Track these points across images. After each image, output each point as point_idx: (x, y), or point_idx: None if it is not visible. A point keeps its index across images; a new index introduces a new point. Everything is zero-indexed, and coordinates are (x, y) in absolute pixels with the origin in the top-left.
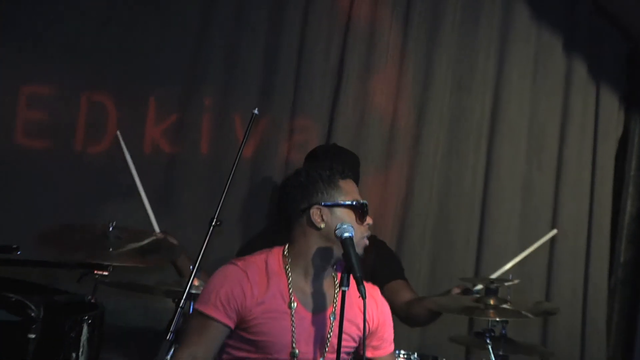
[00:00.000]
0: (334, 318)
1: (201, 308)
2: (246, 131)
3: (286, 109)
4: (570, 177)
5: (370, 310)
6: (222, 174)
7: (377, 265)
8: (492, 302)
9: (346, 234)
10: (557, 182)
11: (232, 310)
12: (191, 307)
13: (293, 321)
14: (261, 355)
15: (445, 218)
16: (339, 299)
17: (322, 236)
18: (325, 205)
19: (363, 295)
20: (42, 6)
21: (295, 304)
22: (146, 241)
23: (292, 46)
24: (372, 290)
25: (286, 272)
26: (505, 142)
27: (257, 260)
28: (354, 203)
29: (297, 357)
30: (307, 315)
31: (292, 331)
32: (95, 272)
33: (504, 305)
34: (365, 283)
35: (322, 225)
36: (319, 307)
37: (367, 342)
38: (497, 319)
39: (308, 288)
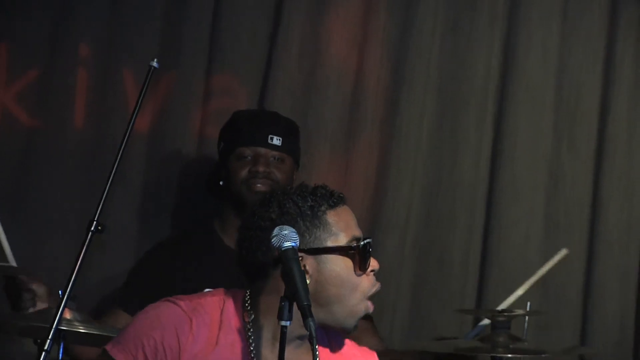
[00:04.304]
0: None
1: (112, 351)
2: (140, 93)
3: (200, 62)
4: (616, 163)
5: None
6: (105, 158)
7: None
8: (501, 340)
9: (287, 244)
10: (597, 171)
11: None
12: (61, 351)
13: None
14: None
15: (434, 224)
16: None
17: None
18: (308, 253)
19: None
20: None
21: None
22: None
23: None
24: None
25: (246, 330)
26: (522, 111)
27: (209, 303)
28: (352, 245)
29: None
30: None
31: None
32: None
33: (518, 346)
34: (348, 342)
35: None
36: None
37: None
38: None
39: (274, 357)
